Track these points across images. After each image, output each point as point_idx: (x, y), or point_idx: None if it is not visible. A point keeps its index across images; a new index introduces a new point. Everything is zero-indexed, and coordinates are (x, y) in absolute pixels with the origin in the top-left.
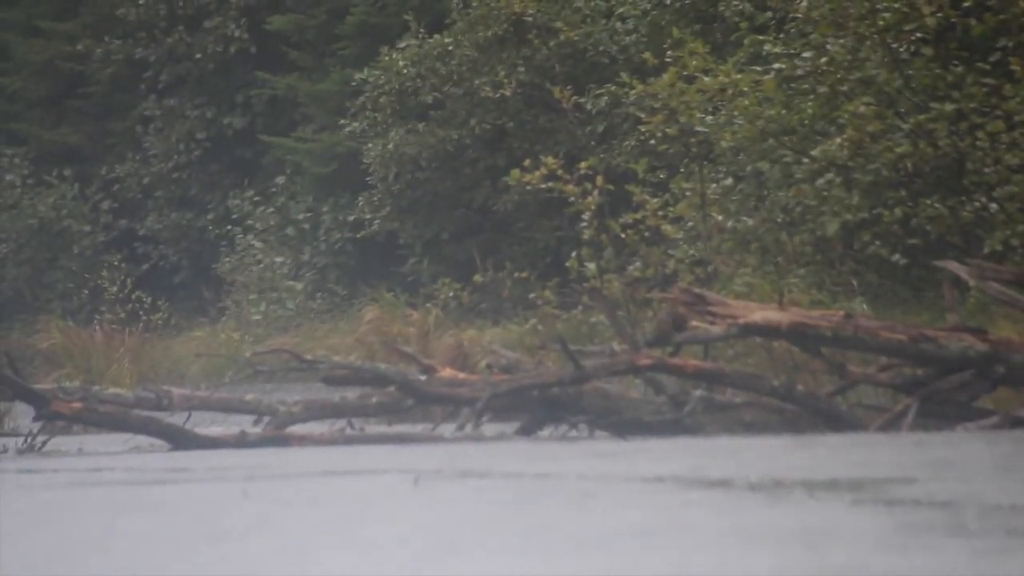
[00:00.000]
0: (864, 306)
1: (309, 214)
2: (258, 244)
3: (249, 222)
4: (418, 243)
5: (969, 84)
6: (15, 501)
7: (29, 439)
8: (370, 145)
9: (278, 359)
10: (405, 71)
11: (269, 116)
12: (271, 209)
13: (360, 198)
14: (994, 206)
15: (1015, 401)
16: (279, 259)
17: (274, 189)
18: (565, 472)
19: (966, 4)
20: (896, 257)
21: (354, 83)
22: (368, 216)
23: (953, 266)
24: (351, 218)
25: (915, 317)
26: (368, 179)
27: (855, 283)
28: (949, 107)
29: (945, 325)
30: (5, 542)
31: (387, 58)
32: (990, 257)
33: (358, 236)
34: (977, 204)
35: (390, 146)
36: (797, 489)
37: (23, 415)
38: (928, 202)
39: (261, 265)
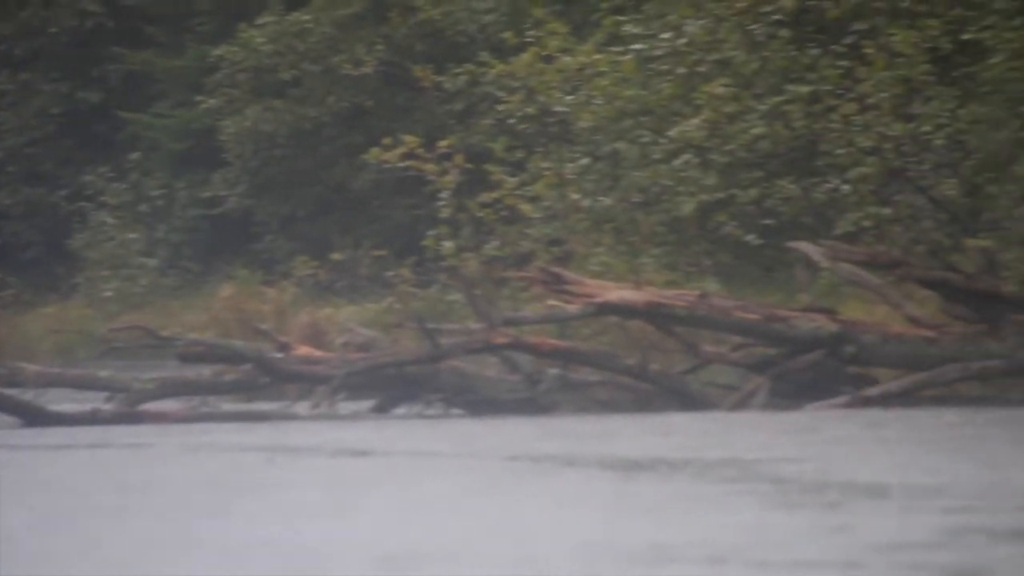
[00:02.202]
0: (716, 286)
1: (164, 190)
2: (111, 220)
3: (103, 198)
4: (274, 220)
5: (824, 66)
6: None
7: None
8: (227, 122)
9: (132, 336)
10: (263, 48)
11: (125, 91)
12: (125, 185)
13: (216, 175)
14: (846, 187)
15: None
16: (132, 235)
17: (129, 165)
18: (415, 450)
19: None
20: (751, 237)
21: (211, 59)
22: (224, 193)
23: (806, 247)
24: (206, 195)
25: (767, 297)
26: (224, 156)
27: (707, 263)
28: (804, 89)
29: (797, 305)
30: None
31: (245, 34)
32: (842, 238)
33: (213, 213)
34: (830, 185)
35: (247, 123)
36: (647, 466)
37: None
38: (782, 183)
39: (114, 241)
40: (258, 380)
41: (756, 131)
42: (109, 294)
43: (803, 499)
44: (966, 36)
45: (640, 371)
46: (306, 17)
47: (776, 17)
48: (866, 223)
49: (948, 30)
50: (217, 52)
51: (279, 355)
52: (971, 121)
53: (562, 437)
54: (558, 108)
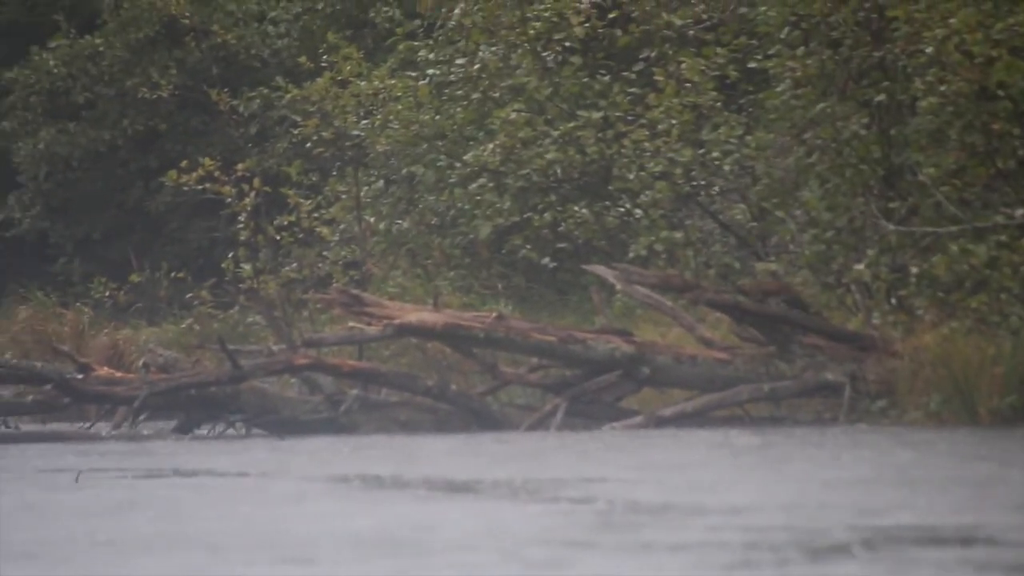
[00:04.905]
0: (511, 308)
1: None
2: None
3: None
4: (69, 243)
5: (615, 93)
6: None
7: None
8: (20, 144)
9: None
10: (56, 71)
11: None
12: None
13: (10, 197)
14: (638, 212)
15: (658, 401)
16: None
17: None
18: (221, 471)
19: (612, 16)
20: (546, 261)
21: (3, 82)
22: (18, 215)
23: (600, 270)
24: (0, 217)
25: (562, 319)
26: (18, 178)
27: (501, 286)
28: (596, 115)
29: (592, 327)
30: None
31: (37, 57)
32: (635, 262)
33: (8, 235)
34: (622, 210)
35: (40, 145)
36: (443, 486)
37: None
38: (576, 208)
39: None
40: (59, 401)
41: (550, 156)
42: None
43: (596, 519)
44: (752, 65)
45: (440, 392)
46: (98, 40)
47: (567, 44)
48: (658, 247)
49: (734, 58)
50: (9, 75)
51: (80, 376)
52: (758, 148)
53: (364, 458)
54: (354, 132)
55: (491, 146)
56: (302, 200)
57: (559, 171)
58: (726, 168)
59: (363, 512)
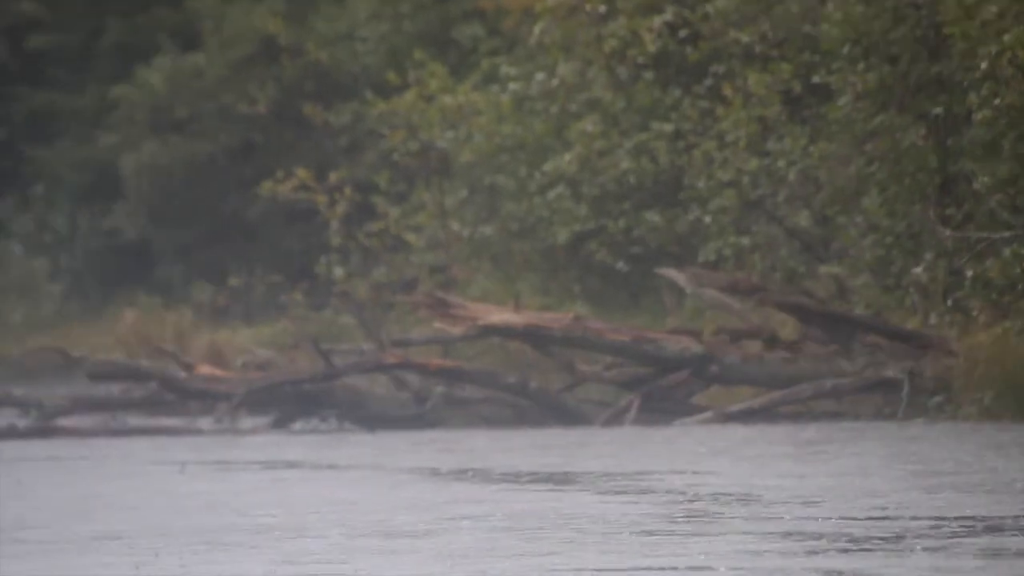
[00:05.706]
0: (587, 310)
1: (67, 220)
2: (17, 249)
3: (10, 228)
4: (171, 249)
5: (686, 106)
6: None
7: None
8: (125, 157)
9: (45, 357)
10: (158, 87)
11: (29, 128)
12: (30, 216)
13: (116, 206)
14: (708, 218)
15: (726, 398)
16: (38, 263)
17: (34, 197)
18: (316, 462)
19: (683, 33)
20: (620, 265)
21: (110, 98)
22: (124, 224)
23: (672, 274)
24: (107, 226)
25: (635, 320)
26: (123, 188)
27: (577, 288)
28: (668, 127)
29: (664, 328)
30: None
31: (142, 75)
32: (705, 265)
33: (115, 243)
34: (692, 216)
35: (144, 158)
36: (528, 478)
37: None
38: (648, 214)
39: (21, 269)
40: (163, 397)
41: (624, 165)
42: (17, 319)
43: (677, 508)
44: (815, 79)
45: (520, 389)
46: (199, 59)
47: (641, 60)
48: (727, 251)
49: (799, 73)
50: (116, 92)
51: (183, 374)
52: (821, 157)
53: (451, 451)
54: (439, 144)
55: (568, 156)
56: (390, 208)
57: (632, 180)
58: (791, 176)
59: (455, 500)
